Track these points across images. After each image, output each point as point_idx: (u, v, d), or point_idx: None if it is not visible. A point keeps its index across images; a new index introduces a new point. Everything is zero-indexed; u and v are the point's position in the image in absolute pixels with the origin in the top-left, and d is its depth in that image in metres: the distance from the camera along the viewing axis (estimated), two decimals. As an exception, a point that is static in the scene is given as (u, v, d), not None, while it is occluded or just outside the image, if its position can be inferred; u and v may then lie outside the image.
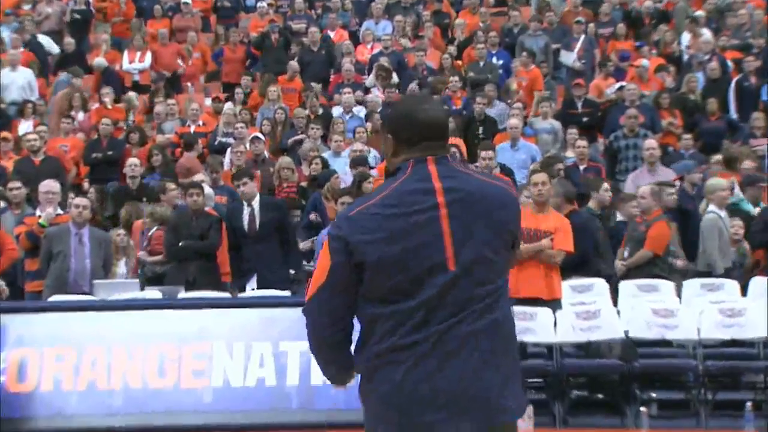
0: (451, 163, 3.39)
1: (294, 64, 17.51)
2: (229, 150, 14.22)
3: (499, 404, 3.24)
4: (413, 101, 3.53)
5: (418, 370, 3.19)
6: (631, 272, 10.35)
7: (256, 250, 10.51)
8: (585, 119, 15.27)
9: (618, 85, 15.97)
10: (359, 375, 3.38)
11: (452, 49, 18.44)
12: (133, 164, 13.10)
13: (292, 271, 10.79)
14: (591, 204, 11.32)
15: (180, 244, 10.56)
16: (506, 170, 12.85)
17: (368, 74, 17.57)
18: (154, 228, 11.23)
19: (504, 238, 3.33)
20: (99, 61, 17.93)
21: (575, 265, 9.71)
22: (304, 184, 13.12)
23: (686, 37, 17.78)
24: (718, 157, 13.26)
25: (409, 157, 3.37)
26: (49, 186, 11.07)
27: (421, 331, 3.21)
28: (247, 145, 14.00)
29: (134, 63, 18.40)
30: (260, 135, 14.32)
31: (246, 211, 10.71)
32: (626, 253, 10.48)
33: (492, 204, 3.32)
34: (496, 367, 3.24)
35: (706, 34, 17.37)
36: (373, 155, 14.04)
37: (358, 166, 12.43)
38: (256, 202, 10.75)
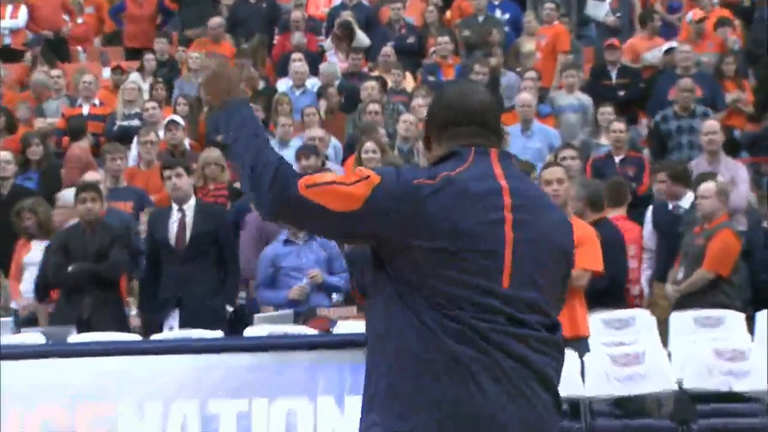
0: (515, 162, 3.83)
1: (219, 20, 17.51)
2: (135, 139, 14.26)
3: None
4: (455, 83, 4.24)
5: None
6: (687, 300, 10.46)
7: (183, 272, 10.57)
8: (622, 93, 15.39)
9: (666, 46, 16.09)
10: None
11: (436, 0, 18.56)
12: (2, 160, 13.04)
13: (228, 307, 10.85)
14: None
15: (69, 268, 10.60)
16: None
17: (326, 34, 17.66)
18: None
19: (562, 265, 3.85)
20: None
21: (604, 292, 9.79)
22: (238, 184, 13.14)
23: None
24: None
25: (462, 144, 3.77)
26: None
27: None
28: (161, 133, 14.05)
29: (3, 20, 18.40)
30: (177, 118, 14.34)
31: (175, 216, 10.76)
32: (680, 275, 10.57)
33: (553, 222, 3.81)
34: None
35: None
36: (333, 144, 14.12)
37: (306, 157, 12.41)
38: (189, 207, 10.80)
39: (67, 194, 11.76)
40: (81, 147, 14.01)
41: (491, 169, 3.71)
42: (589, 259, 9.14)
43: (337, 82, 15.74)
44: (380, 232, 3.59)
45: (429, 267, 3.56)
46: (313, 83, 16.24)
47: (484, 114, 3.82)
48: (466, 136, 3.77)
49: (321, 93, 15.72)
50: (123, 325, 10.49)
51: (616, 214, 11.32)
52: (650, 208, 11.98)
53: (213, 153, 12.99)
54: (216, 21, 17.49)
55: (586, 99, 15.08)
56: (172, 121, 14.10)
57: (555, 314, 3.78)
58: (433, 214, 3.57)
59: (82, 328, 10.12)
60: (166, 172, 11.09)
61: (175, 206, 10.82)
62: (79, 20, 18.99)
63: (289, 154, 13.47)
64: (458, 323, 3.54)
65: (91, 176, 12.20)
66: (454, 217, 3.58)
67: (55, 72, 16.79)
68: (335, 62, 16.60)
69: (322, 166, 12.50)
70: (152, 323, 10.79)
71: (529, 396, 3.64)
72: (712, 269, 10.41)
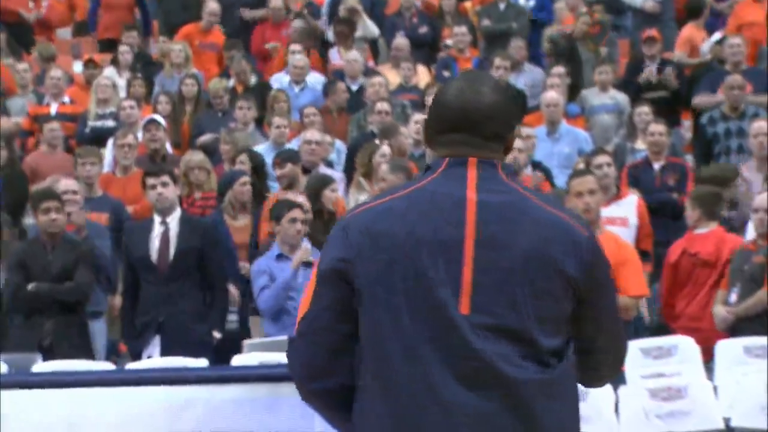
0: (503, 172, 3.72)
1: (215, 6, 17.49)
2: (110, 141, 14.24)
3: None
4: (458, 79, 3.89)
5: None
6: (742, 326, 10.40)
7: (166, 293, 10.56)
8: (662, 92, 15.35)
9: (715, 37, 16.05)
10: None
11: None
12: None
13: (216, 334, 10.78)
14: None
15: (29, 287, 10.58)
16: (541, 169, 12.88)
17: (328, 23, 17.66)
18: None
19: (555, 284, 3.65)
20: None
21: None
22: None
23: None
24: None
25: (444, 154, 3.73)
26: None
27: None
28: (139, 134, 14.03)
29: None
30: (158, 118, 14.31)
31: (157, 230, 10.73)
32: (733, 296, 10.50)
33: (539, 235, 3.63)
34: None
35: None
36: (337, 148, 14.09)
37: (288, 162, 12.36)
38: (173, 219, 10.79)
39: None
40: (45, 151, 14.04)
41: (462, 181, 3.65)
42: (633, 285, 9.10)
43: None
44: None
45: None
46: (314, 79, 16.22)
47: (482, 120, 3.73)
48: (455, 145, 3.71)
49: (328, 89, 15.61)
50: (88, 352, 10.46)
51: (712, 228, 11.25)
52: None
53: (196, 156, 12.94)
54: (212, 7, 17.42)
55: (622, 98, 15.04)
56: (152, 121, 14.08)
57: (549, 341, 3.61)
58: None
59: (46, 355, 10.10)
60: (150, 180, 10.97)
61: (157, 218, 10.79)
62: (43, 6, 18.97)
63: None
64: None
65: (66, 184, 12.10)
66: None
67: (21, 66, 16.78)
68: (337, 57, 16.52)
69: (306, 172, 12.46)
70: (130, 351, 10.80)
71: None
72: None
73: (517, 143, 12.45)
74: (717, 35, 15.92)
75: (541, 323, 3.57)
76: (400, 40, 16.71)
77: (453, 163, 3.68)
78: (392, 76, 16.01)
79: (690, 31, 16.72)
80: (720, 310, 10.51)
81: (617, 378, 9.15)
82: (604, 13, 16.80)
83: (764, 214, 10.59)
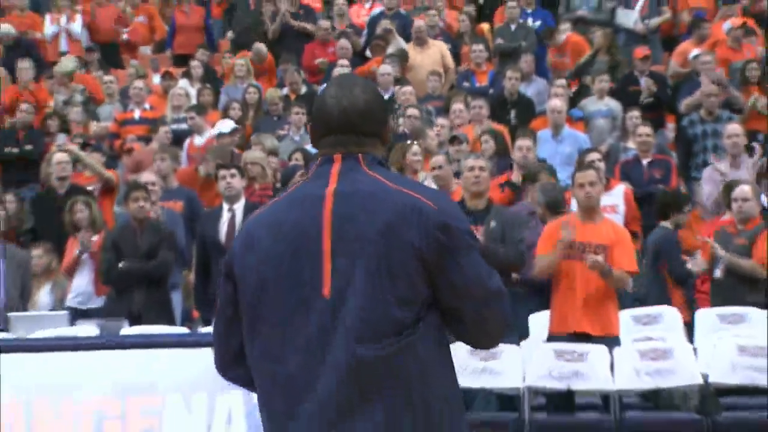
0: (364, 163, 3.53)
1: (262, 47, 17.46)
2: (187, 142, 14.25)
3: None
4: (329, 84, 3.71)
5: None
6: (728, 296, 10.35)
7: None
8: (650, 98, 15.30)
9: (694, 53, 15.98)
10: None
11: (469, 8, 18.47)
12: (61, 161, 12.93)
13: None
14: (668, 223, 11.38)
15: (120, 265, 10.62)
16: (546, 167, 12.84)
17: (366, 42, 17.65)
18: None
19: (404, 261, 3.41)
20: (5, 28, 17.90)
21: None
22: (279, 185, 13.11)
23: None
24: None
25: (322, 154, 3.59)
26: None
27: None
28: (204, 137, 14.07)
29: (58, 27, 18.42)
30: (230, 125, 14.26)
31: (225, 217, 10.75)
32: (717, 273, 10.45)
33: (395, 217, 3.39)
34: None
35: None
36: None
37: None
38: (239, 207, 10.80)
39: None
40: (144, 149, 14.06)
41: (326, 178, 3.50)
42: (626, 262, 9.12)
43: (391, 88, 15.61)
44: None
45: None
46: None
47: (355, 119, 3.57)
48: (329, 145, 3.58)
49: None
50: (170, 320, 10.50)
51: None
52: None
53: (255, 153, 12.94)
54: (259, 48, 17.36)
55: (616, 105, 14.98)
56: (233, 127, 14.03)
57: (403, 313, 3.35)
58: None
59: (133, 322, 10.14)
60: (221, 172, 11.06)
61: (225, 206, 10.83)
62: (130, 29, 19.01)
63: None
64: None
65: (145, 177, 12.16)
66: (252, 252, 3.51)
67: (108, 78, 16.84)
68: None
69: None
70: (202, 317, 10.82)
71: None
72: (762, 264, 10.33)
73: (525, 141, 12.44)
74: (695, 51, 15.82)
75: (395, 299, 3.34)
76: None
77: (322, 162, 3.55)
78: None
79: (685, 46, 16.63)
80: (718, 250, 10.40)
81: (613, 343, 9.17)
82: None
83: (742, 203, 10.58)
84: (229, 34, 18.96)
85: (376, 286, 3.35)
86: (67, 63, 16.94)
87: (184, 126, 14.91)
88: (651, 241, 11.27)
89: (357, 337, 3.33)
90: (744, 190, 10.72)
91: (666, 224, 11.35)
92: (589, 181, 9.32)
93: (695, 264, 10.78)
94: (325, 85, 4.06)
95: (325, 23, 17.62)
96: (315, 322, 3.38)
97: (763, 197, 11.49)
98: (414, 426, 3.33)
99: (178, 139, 14.57)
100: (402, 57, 16.43)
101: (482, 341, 3.60)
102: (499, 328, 3.52)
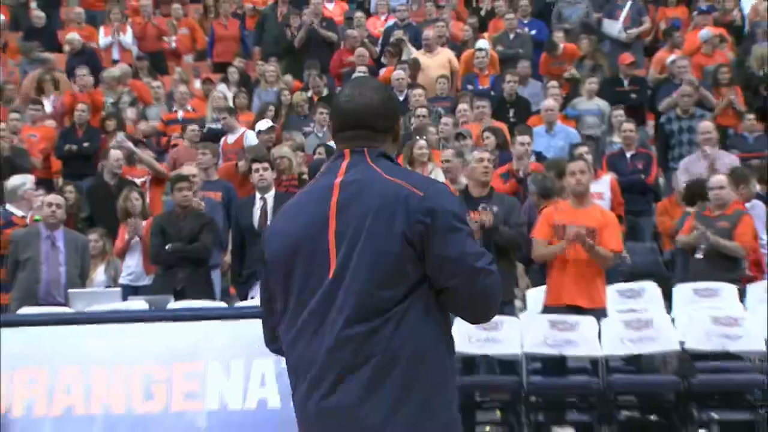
0: (369, 157, 3.53)
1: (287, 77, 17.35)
2: (222, 140, 14.24)
3: None
4: (345, 85, 3.74)
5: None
6: (712, 272, 10.27)
7: None
8: (633, 96, 15.23)
9: (671, 58, 15.92)
10: None
11: (473, 20, 18.38)
12: (116, 157, 12.97)
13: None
14: None
15: (167, 247, 10.62)
16: (542, 159, 12.82)
17: (381, 50, 17.59)
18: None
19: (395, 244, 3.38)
20: (72, 36, 17.92)
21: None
22: (306, 177, 13.10)
23: (748, 3, 17.72)
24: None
25: (338, 149, 3.62)
26: (25, 180, 11.14)
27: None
28: (235, 136, 14.11)
29: (111, 38, 18.41)
30: (267, 123, 14.28)
31: (258, 204, 10.78)
32: (699, 254, 10.40)
33: (385, 202, 3.40)
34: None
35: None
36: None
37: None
38: (270, 196, 10.83)
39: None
40: (184, 146, 14.07)
41: (336, 171, 3.52)
42: (613, 242, 9.11)
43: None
44: None
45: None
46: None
47: (366, 117, 3.57)
48: (344, 141, 3.60)
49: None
50: (211, 296, 10.50)
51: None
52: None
53: (283, 149, 12.99)
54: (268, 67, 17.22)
55: (604, 104, 14.91)
56: (269, 126, 14.14)
57: (388, 292, 3.35)
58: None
59: (178, 297, 10.14)
60: (255, 165, 11.09)
61: (258, 195, 10.85)
62: (174, 38, 19.00)
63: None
64: None
65: (187, 169, 12.15)
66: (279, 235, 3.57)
67: (155, 83, 16.83)
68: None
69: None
70: (239, 294, 10.82)
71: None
72: (744, 245, 10.33)
73: (524, 137, 12.39)
74: (672, 56, 15.74)
75: (384, 281, 3.34)
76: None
77: (335, 157, 3.59)
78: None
79: (661, 54, 16.57)
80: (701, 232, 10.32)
81: (601, 314, 9.14)
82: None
83: (719, 191, 10.54)
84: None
85: (367, 269, 3.36)
86: (114, 70, 16.96)
87: (218, 124, 14.88)
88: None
89: (348, 316, 3.35)
90: (719, 179, 10.70)
91: (692, 209, 11.30)
92: (580, 170, 9.31)
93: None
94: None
95: (352, 32, 17.53)
96: (320, 301, 3.41)
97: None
98: (399, 381, 3.32)
99: (216, 137, 14.53)
100: (413, 64, 16.37)
101: (473, 317, 3.55)
102: (487, 305, 3.46)
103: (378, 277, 3.36)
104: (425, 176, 3.64)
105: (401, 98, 15.29)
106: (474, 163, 9.75)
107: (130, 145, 13.56)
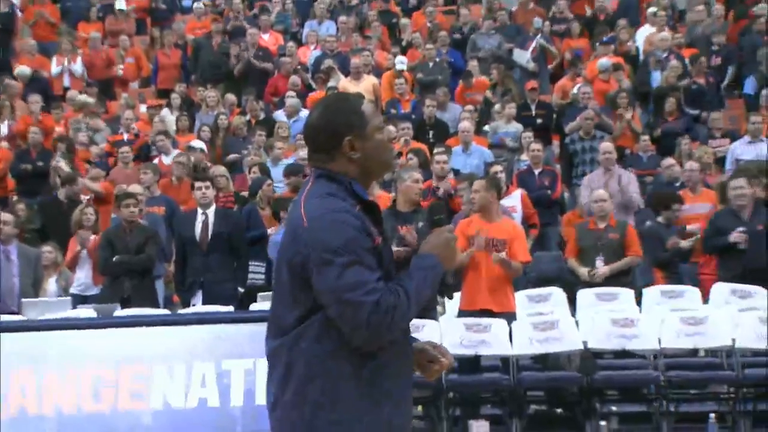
0: (312, 177, 3.38)
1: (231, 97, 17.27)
2: (157, 160, 14.20)
3: None
4: (316, 107, 3.49)
5: None
6: (612, 280, 10.45)
7: (205, 262, 10.54)
8: (539, 121, 15.37)
9: (577, 85, 16.10)
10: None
11: (396, 50, 18.44)
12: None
13: (240, 289, 10.81)
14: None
15: (114, 259, 10.53)
16: (460, 176, 12.87)
17: (311, 76, 17.59)
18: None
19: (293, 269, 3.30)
20: (22, 69, 17.79)
21: None
22: (245, 193, 13.03)
23: (642, 35, 17.97)
24: (671, 160, 13.38)
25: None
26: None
27: None
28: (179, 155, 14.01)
29: (62, 67, 18.24)
30: (199, 144, 14.27)
31: (200, 219, 10.74)
32: (599, 263, 10.48)
33: (290, 232, 3.34)
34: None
35: (664, 31, 17.56)
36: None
37: (291, 175, 12.37)
38: (211, 211, 10.78)
39: None
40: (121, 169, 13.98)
41: (302, 190, 3.39)
42: (521, 254, 9.23)
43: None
44: None
45: None
46: (306, 113, 16.09)
47: (306, 136, 3.42)
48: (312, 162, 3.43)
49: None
50: (155, 303, 10.43)
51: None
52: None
53: (220, 169, 13.03)
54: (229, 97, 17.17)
55: (518, 126, 14.95)
56: (192, 147, 14.09)
57: (290, 315, 3.29)
58: None
59: (124, 305, 10.06)
60: (197, 184, 11.08)
61: (200, 210, 10.79)
62: (121, 67, 18.88)
63: (278, 172, 13.35)
64: None
65: (133, 188, 12.11)
66: None
67: (101, 110, 16.79)
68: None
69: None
70: (181, 301, 10.77)
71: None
72: (637, 255, 10.52)
73: (441, 156, 12.44)
74: (577, 85, 15.92)
75: (286, 304, 3.29)
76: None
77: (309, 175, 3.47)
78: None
79: (563, 81, 16.76)
80: (600, 269, 10.43)
81: (511, 317, 9.22)
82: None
83: (603, 203, 10.69)
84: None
85: (274, 291, 3.38)
86: (81, 98, 16.87)
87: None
88: (644, 230, 11.37)
89: (268, 333, 3.39)
90: (600, 192, 10.88)
91: (660, 219, 11.45)
92: (475, 189, 9.44)
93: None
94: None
95: (287, 60, 17.47)
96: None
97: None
98: (290, 397, 3.29)
99: (153, 156, 14.52)
100: (340, 90, 16.39)
101: (352, 342, 3.24)
102: (357, 334, 3.20)
103: (278, 299, 3.36)
104: (324, 206, 3.24)
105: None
106: (410, 182, 9.65)
107: (63, 166, 13.48)
